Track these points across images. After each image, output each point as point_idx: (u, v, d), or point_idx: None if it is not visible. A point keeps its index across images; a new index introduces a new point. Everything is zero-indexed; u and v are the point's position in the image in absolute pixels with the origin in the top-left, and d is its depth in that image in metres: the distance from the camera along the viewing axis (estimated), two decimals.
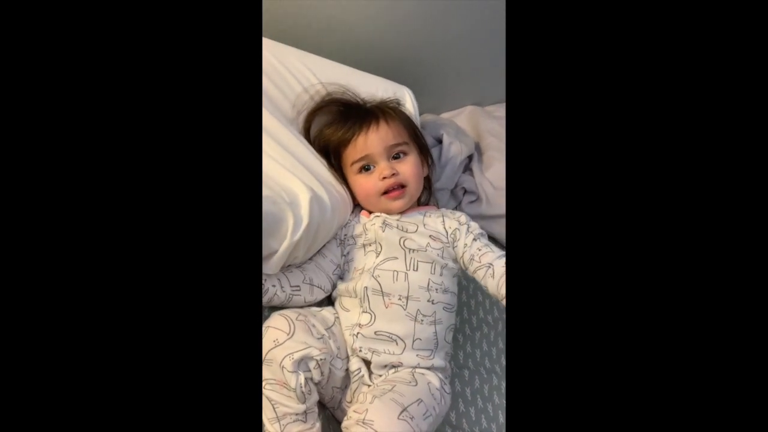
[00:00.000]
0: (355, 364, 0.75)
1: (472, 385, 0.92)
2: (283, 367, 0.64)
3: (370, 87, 0.97)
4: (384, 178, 0.85)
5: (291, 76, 0.90)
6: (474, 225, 0.86)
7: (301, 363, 0.65)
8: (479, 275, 0.79)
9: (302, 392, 0.64)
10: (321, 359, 0.66)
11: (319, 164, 0.83)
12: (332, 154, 0.89)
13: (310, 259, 0.83)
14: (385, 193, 0.86)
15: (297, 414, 0.65)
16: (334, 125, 0.89)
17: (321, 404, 0.76)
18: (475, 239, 0.82)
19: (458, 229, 0.84)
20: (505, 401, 0.93)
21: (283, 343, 0.65)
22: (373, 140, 0.85)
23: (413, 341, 0.76)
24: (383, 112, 0.89)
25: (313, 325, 0.71)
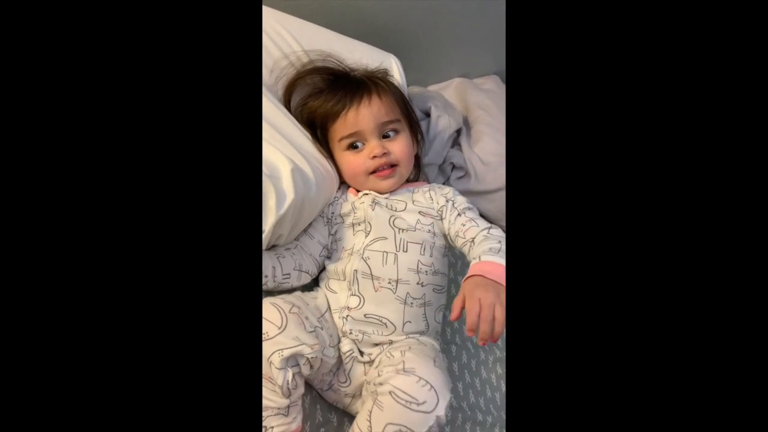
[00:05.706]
0: (346, 345, 0.73)
1: (460, 360, 0.92)
2: (270, 362, 0.60)
3: (355, 54, 0.92)
4: (374, 157, 0.81)
5: (268, 39, 0.84)
6: (460, 199, 0.84)
7: (290, 359, 0.62)
8: (465, 250, 0.77)
9: (288, 388, 0.62)
10: (312, 357, 0.63)
11: (301, 136, 0.78)
12: (318, 128, 0.84)
13: (296, 240, 0.80)
14: (374, 172, 0.83)
15: (279, 408, 0.63)
16: (322, 96, 0.83)
17: (308, 385, 0.74)
18: (459, 214, 0.80)
19: (445, 206, 0.82)
20: (492, 375, 0.94)
21: (274, 337, 0.61)
22: (364, 116, 0.81)
23: (403, 324, 0.74)
24: (375, 84, 0.84)
25: (306, 318, 0.67)
